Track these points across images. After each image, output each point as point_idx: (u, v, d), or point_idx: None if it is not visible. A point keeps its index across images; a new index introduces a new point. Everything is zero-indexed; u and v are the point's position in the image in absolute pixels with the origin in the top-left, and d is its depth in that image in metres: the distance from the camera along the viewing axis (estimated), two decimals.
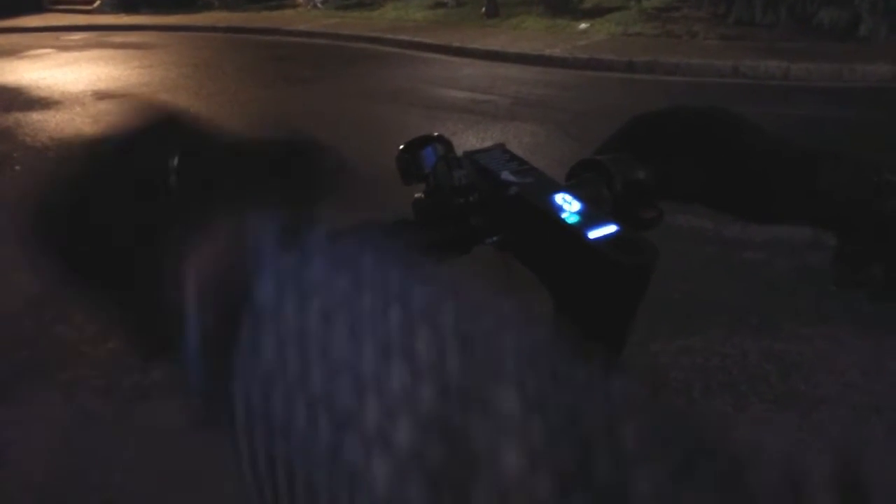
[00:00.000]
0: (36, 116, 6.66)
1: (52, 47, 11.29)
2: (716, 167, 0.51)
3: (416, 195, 0.49)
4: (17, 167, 5.24)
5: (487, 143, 0.55)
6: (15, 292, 3.20)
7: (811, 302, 2.63)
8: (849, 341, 2.48)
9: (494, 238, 0.46)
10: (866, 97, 5.68)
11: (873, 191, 0.50)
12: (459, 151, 0.51)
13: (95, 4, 15.49)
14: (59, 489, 2.06)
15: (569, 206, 0.42)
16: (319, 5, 13.37)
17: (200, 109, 6.57)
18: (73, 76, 8.62)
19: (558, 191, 0.43)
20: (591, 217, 0.41)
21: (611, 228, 0.40)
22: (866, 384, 2.27)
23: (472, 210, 0.46)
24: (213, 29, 12.28)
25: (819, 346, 2.49)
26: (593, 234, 0.39)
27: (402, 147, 0.50)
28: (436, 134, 0.51)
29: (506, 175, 0.46)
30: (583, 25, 9.18)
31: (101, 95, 7.42)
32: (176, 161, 0.33)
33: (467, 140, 4.96)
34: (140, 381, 2.50)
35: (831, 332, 2.53)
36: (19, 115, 6.71)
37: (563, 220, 0.41)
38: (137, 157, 0.36)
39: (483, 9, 10.55)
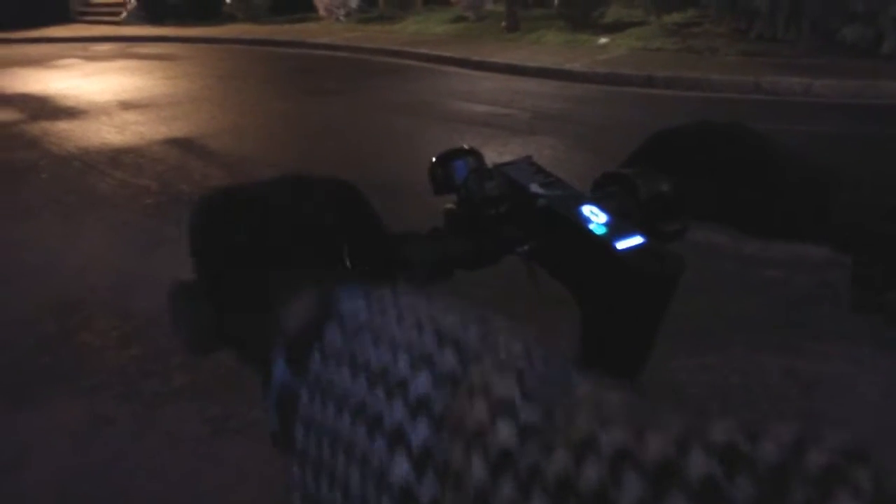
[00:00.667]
0: (62, 125, 6.78)
1: (78, 57, 11.50)
2: (734, 184, 0.51)
3: (447, 206, 0.50)
4: (44, 175, 5.33)
5: (507, 157, 0.56)
6: (38, 298, 3.26)
7: (831, 320, 2.60)
8: (869, 361, 2.45)
9: (524, 248, 0.47)
10: (889, 115, 5.62)
11: (888, 216, 0.50)
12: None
13: (122, 16, 15.77)
14: (79, 493, 2.09)
15: (596, 217, 0.43)
16: (342, 18, 13.51)
17: (224, 121, 6.65)
18: (100, 86, 8.77)
19: (585, 203, 0.44)
20: (618, 228, 0.42)
21: (638, 240, 0.41)
22: (887, 404, 2.24)
23: (502, 221, 0.47)
24: (237, 41, 12.45)
25: (839, 365, 2.46)
26: (621, 244, 0.40)
27: (434, 159, 0.52)
28: (467, 147, 0.53)
29: (534, 187, 0.47)
30: (603, 40, 9.19)
31: (126, 105, 7.54)
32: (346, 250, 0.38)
33: (487, 154, 4.89)
34: (161, 388, 2.53)
35: (852, 352, 2.50)
36: (46, 124, 6.84)
37: (590, 231, 0.42)
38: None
39: (503, 23, 10.60)
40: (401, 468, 0.24)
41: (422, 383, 0.25)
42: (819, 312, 2.68)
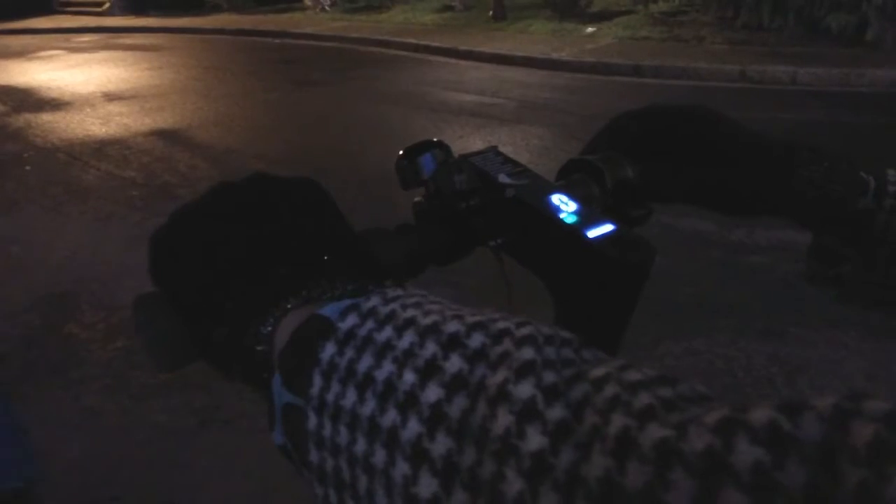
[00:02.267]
0: (46, 117, 6.70)
1: (61, 49, 11.36)
2: (695, 163, 0.51)
3: (416, 199, 0.50)
4: (28, 167, 5.28)
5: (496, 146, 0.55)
6: (25, 291, 3.23)
7: (816, 306, 2.63)
8: (854, 346, 2.48)
9: (496, 240, 0.47)
10: (874, 102, 5.66)
11: (848, 188, 0.51)
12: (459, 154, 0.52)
13: (105, 7, 15.58)
14: (66, 485, 2.08)
15: (565, 206, 0.43)
16: (327, 8, 13.41)
17: (209, 112, 6.60)
18: (83, 77, 8.67)
19: (554, 192, 0.44)
20: (588, 217, 0.42)
21: (608, 227, 0.41)
22: (871, 388, 2.27)
23: (472, 213, 0.47)
24: (222, 31, 12.34)
25: (824, 350, 2.49)
26: (592, 233, 0.40)
27: (400, 153, 0.51)
28: (434, 139, 0.51)
29: (503, 177, 0.46)
30: (590, 29, 9.18)
31: (110, 97, 7.46)
32: None
33: (475, 143, 4.97)
34: (149, 380, 2.52)
35: (836, 337, 2.53)
36: (30, 116, 6.76)
37: (561, 221, 0.42)
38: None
39: (490, 12, 10.56)
40: (427, 485, 0.23)
41: (433, 393, 0.24)
42: (804, 298, 2.70)
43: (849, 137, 4.52)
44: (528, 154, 4.68)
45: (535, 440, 0.21)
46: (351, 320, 0.28)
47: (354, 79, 7.88)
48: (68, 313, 3.04)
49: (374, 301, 0.29)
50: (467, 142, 5.06)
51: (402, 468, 0.23)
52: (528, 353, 0.24)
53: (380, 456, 0.24)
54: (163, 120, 6.38)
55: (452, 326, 0.26)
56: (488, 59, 8.36)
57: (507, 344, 0.25)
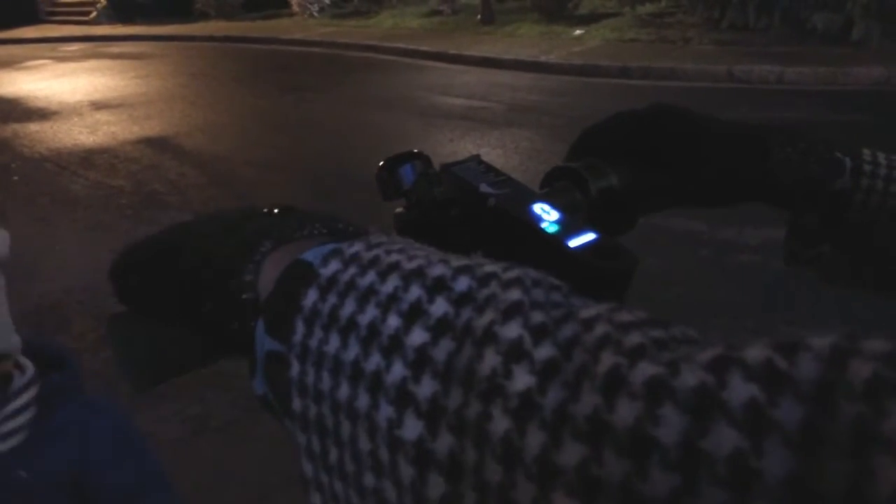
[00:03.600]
0: (33, 127, 6.67)
1: (48, 58, 11.31)
2: (671, 161, 0.51)
3: (397, 210, 0.50)
4: (16, 177, 5.25)
5: (485, 150, 0.55)
6: (14, 302, 3.21)
7: (807, 303, 2.65)
8: None
9: (477, 251, 0.46)
10: (860, 100, 5.71)
11: (825, 169, 0.51)
12: (446, 161, 0.52)
13: (92, 15, 15.53)
14: None
15: (547, 215, 0.42)
16: (316, 14, 13.41)
17: (198, 119, 6.59)
18: (70, 87, 8.64)
19: (536, 201, 0.44)
20: (569, 226, 0.41)
21: (590, 236, 0.40)
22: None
23: (454, 224, 0.47)
24: (210, 38, 12.32)
25: None
26: (573, 242, 0.40)
27: (380, 164, 0.51)
28: (414, 150, 0.51)
29: (484, 187, 0.46)
30: (578, 32, 9.22)
31: (98, 106, 7.43)
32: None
33: (465, 146, 4.98)
34: None
35: (825, 333, 2.54)
36: (17, 126, 6.73)
37: (543, 231, 0.41)
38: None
39: (479, 16, 10.59)
40: (412, 427, 0.22)
41: (418, 336, 0.24)
42: (794, 296, 2.72)
43: (836, 136, 4.54)
44: (518, 157, 4.69)
45: (522, 379, 0.21)
46: (333, 266, 0.28)
47: (344, 84, 7.88)
48: (58, 324, 3.02)
49: (357, 247, 0.28)
50: (457, 145, 5.07)
51: (386, 411, 0.23)
52: (515, 293, 0.24)
53: (363, 400, 0.24)
54: (151, 128, 6.36)
55: (438, 270, 0.25)
56: (477, 63, 8.38)
57: (493, 286, 0.24)
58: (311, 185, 4.53)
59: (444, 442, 0.22)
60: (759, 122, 0.53)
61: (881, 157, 0.52)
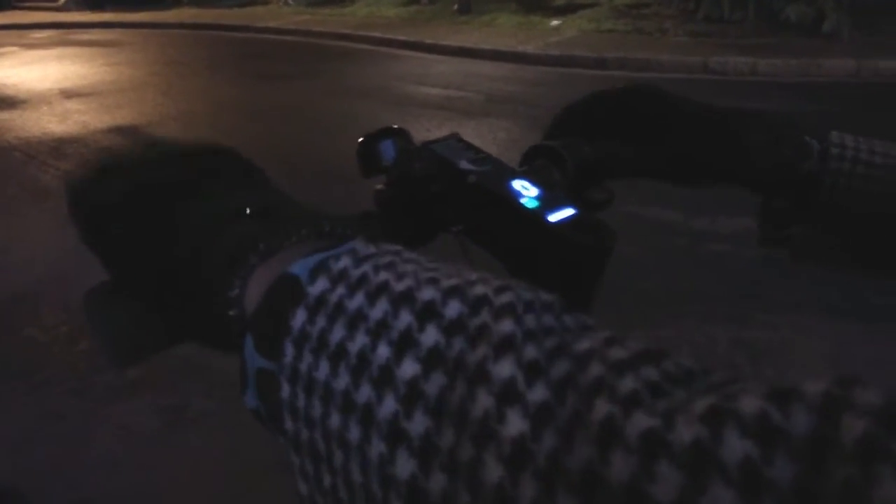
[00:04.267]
0: (2, 116, 6.52)
1: (16, 45, 11.06)
2: (646, 137, 0.52)
3: (378, 187, 0.49)
4: None
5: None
6: None
7: (779, 291, 2.69)
8: (816, 328, 2.54)
9: (458, 227, 0.46)
10: (831, 92, 5.79)
11: (795, 152, 0.52)
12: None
13: (61, 2, 15.20)
14: (33, 488, 2.03)
15: (527, 191, 0.43)
16: (290, 2, 13.26)
17: (170, 108, 6.49)
18: (39, 74, 8.45)
19: (515, 177, 0.44)
20: (549, 201, 0.42)
21: (569, 212, 0.41)
22: (832, 369, 2.32)
23: (434, 200, 0.47)
24: (182, 26, 12.13)
25: (787, 333, 2.54)
26: (553, 217, 0.40)
27: (360, 140, 0.50)
28: (394, 126, 0.51)
29: (464, 164, 0.46)
30: (555, 22, 9.23)
31: (68, 94, 7.29)
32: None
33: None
34: (113, 382, 2.47)
35: (799, 320, 2.58)
36: None
37: (522, 206, 0.42)
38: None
39: (455, 6, 10.55)
40: (404, 466, 0.22)
41: (409, 368, 0.23)
42: (767, 283, 2.76)
43: (808, 126, 4.61)
44: (496, 147, 4.69)
45: (515, 424, 0.21)
46: (321, 284, 0.27)
47: (319, 73, 7.81)
48: (29, 316, 2.96)
49: (344, 262, 0.28)
50: (434, 135, 5.01)
51: (378, 447, 0.23)
52: (507, 325, 0.23)
53: (355, 433, 0.23)
54: (122, 117, 6.25)
55: (427, 294, 0.25)
56: (454, 53, 8.35)
57: (485, 315, 0.24)
58: (286, 175, 4.47)
59: (437, 482, 0.21)
60: (731, 105, 0.54)
61: (848, 140, 0.53)
